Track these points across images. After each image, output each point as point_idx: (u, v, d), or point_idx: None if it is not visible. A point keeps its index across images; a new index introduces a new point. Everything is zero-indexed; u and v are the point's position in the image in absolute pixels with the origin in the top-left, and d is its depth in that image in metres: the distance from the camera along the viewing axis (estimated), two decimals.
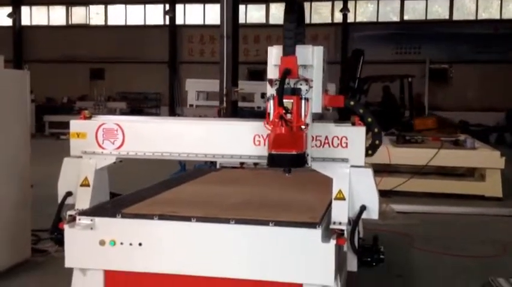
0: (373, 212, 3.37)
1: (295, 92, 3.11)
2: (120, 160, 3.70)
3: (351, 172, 3.34)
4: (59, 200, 3.68)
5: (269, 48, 3.24)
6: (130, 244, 3.32)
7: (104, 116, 3.82)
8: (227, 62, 10.03)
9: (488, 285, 4.57)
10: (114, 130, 3.62)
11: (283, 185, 4.32)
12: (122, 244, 3.33)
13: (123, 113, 20.34)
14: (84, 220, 3.38)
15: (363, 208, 3.35)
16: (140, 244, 3.32)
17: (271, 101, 3.08)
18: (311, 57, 3.20)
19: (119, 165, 3.76)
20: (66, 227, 3.40)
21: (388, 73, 15.82)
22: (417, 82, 21.46)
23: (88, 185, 3.62)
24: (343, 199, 3.30)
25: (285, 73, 3.05)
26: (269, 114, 3.08)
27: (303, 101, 3.10)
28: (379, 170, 7.70)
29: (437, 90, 22.10)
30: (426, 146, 9.40)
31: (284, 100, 3.00)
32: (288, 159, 3.07)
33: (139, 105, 23.65)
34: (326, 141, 3.35)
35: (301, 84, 3.15)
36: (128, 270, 3.37)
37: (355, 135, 3.35)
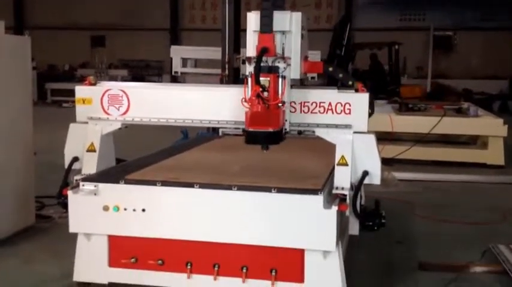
0: (375, 178, 3.42)
1: (272, 70, 3.15)
2: (125, 126, 3.75)
3: (353, 138, 3.36)
4: (66, 165, 3.72)
5: (248, 14, 3.26)
6: (134, 210, 3.37)
7: (108, 82, 3.84)
8: (229, 29, 9.91)
9: (489, 252, 4.61)
10: (119, 96, 3.66)
11: (287, 152, 4.33)
12: (125, 209, 3.37)
13: (124, 80, 20.25)
14: (88, 186, 3.41)
15: (365, 174, 3.40)
16: (143, 210, 3.36)
17: (249, 79, 3.12)
18: (289, 23, 3.21)
19: (124, 131, 3.78)
20: (70, 193, 3.44)
21: (393, 40, 15.65)
22: (421, 49, 21.33)
23: (94, 151, 3.68)
24: (346, 164, 3.34)
25: (262, 51, 3.08)
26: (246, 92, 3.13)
27: (280, 79, 3.15)
28: (382, 138, 7.70)
29: (441, 58, 21.92)
30: (429, 114, 9.38)
31: (261, 78, 3.06)
32: (264, 136, 3.17)
33: (141, 73, 23.49)
34: (329, 107, 3.39)
35: (278, 62, 3.19)
36: (131, 235, 3.42)
37: (358, 101, 3.38)
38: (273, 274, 3.27)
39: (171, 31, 25.37)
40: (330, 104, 3.39)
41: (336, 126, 3.39)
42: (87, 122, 3.72)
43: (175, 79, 19.39)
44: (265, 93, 3.10)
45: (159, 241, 3.39)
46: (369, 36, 21.79)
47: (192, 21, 25.36)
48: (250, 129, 3.16)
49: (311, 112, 3.42)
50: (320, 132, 3.43)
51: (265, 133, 3.16)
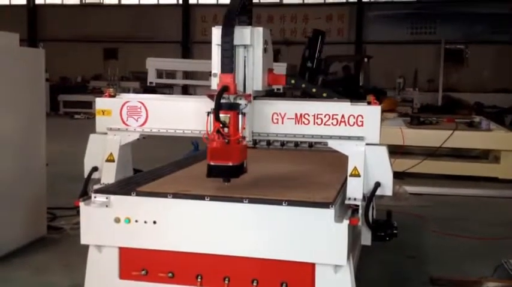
0: (387, 189, 3.45)
1: (233, 107, 3.30)
2: (143, 137, 3.81)
3: (366, 150, 3.38)
4: (85, 175, 3.77)
5: (212, 29, 3.42)
6: (145, 222, 3.37)
7: (128, 94, 3.93)
8: None
9: (502, 267, 4.56)
10: (137, 108, 3.74)
11: (298, 165, 4.33)
12: (136, 221, 3.38)
13: (136, 92, 20.36)
14: (100, 198, 3.42)
15: (377, 185, 3.42)
16: (154, 222, 3.36)
17: (211, 115, 3.28)
18: (249, 37, 3.36)
19: (136, 142, 3.84)
20: (81, 204, 3.45)
21: (403, 54, 15.72)
22: (432, 62, 21.29)
23: (113, 161, 3.75)
24: (358, 175, 3.37)
25: (222, 90, 3.24)
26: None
27: (240, 116, 3.31)
28: (393, 151, 7.66)
29: (453, 71, 21.87)
30: (440, 127, 9.34)
31: (221, 115, 3.21)
32: (224, 170, 3.33)
33: (152, 84, 23.63)
34: (342, 119, 3.42)
35: (240, 99, 3.33)
36: (142, 247, 3.42)
37: (371, 114, 3.41)
38: None
39: (182, 43, 25.55)
40: (342, 116, 3.42)
41: (349, 138, 3.41)
42: (106, 133, 3.79)
43: (186, 91, 19.56)
44: (226, 129, 3.25)
45: (169, 254, 3.39)
46: (377, 49, 21.85)
47: (204, 34, 25.53)
48: (211, 163, 3.32)
49: (324, 124, 3.45)
50: (333, 144, 3.47)
51: (225, 167, 3.32)
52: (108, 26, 25.74)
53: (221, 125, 3.22)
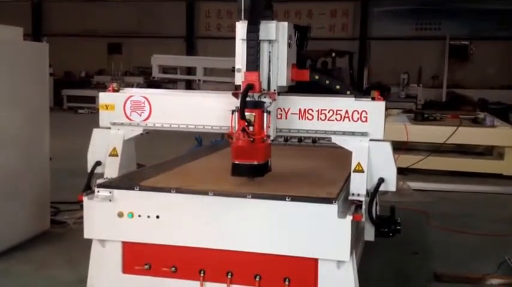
0: (391, 185, 3.44)
1: (258, 106, 3.27)
2: (146, 132, 3.81)
3: (370, 145, 3.37)
4: (89, 169, 3.78)
5: (236, 24, 3.41)
6: (148, 217, 3.37)
7: (131, 89, 3.93)
8: None
9: (506, 264, 4.55)
10: (141, 103, 3.74)
11: (301, 160, 4.32)
12: (139, 216, 3.38)
13: (140, 87, 20.36)
14: (103, 192, 3.43)
15: (381, 180, 3.41)
16: (158, 217, 3.37)
17: (235, 114, 3.26)
18: (275, 32, 3.32)
19: (140, 137, 3.84)
20: (85, 199, 3.45)
21: (407, 50, 15.60)
22: (437, 59, 21.22)
23: (116, 155, 3.76)
24: (362, 171, 3.36)
25: (247, 88, 3.21)
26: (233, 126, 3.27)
27: (265, 114, 3.28)
28: (397, 147, 7.64)
29: (457, 68, 21.78)
30: (444, 123, 9.30)
31: (246, 113, 3.18)
32: (248, 169, 3.31)
33: (156, 80, 23.65)
34: (346, 115, 3.42)
35: (264, 97, 3.30)
36: (145, 242, 3.43)
37: (375, 109, 3.41)
38: (287, 283, 3.25)
39: (186, 39, 25.51)
40: (346, 111, 3.42)
41: (353, 133, 3.41)
42: (110, 127, 3.79)
43: (190, 86, 19.60)
44: (251, 128, 3.23)
45: (172, 248, 3.39)
46: (384, 45, 21.79)
47: (208, 29, 25.48)
48: (236, 161, 3.30)
49: (328, 120, 3.44)
50: (337, 140, 3.46)
51: (250, 166, 3.30)
52: (112, 21, 25.70)
53: (246, 124, 3.19)
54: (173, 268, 3.40)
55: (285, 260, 3.25)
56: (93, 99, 18.64)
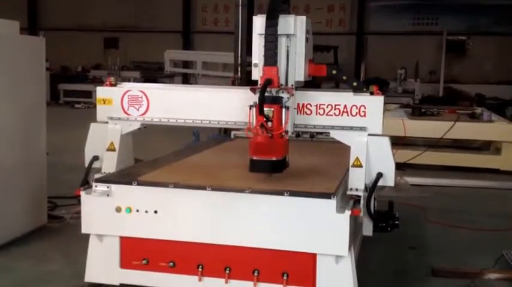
0: (389, 180, 3.43)
1: (276, 101, 3.25)
2: (144, 126, 3.81)
3: (368, 140, 3.37)
4: (86, 164, 3.77)
5: (254, 18, 3.36)
6: (146, 211, 3.37)
7: (129, 83, 3.91)
8: (242, 32, 9.91)
9: (503, 258, 4.56)
10: (138, 97, 3.73)
11: (299, 155, 4.31)
12: (137, 211, 3.38)
13: (137, 82, 20.32)
14: (101, 187, 3.42)
15: (380, 175, 3.40)
16: (156, 212, 3.36)
17: (253, 109, 3.23)
18: (293, 27, 3.29)
19: (138, 132, 3.82)
20: (82, 193, 3.44)
21: (404, 45, 15.59)
22: (434, 54, 21.21)
23: (114, 150, 3.75)
24: (361, 166, 3.36)
25: (266, 83, 3.18)
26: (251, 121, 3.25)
27: (283, 110, 3.25)
28: (394, 142, 7.62)
29: (454, 63, 21.78)
30: (442, 118, 9.31)
31: (265, 108, 3.16)
32: (267, 165, 3.30)
33: (153, 74, 23.58)
34: (345, 110, 3.42)
35: (282, 92, 3.27)
36: (143, 237, 3.42)
37: (373, 104, 3.40)
38: (285, 278, 3.26)
39: (183, 33, 25.44)
40: (345, 106, 3.41)
41: (351, 128, 3.40)
42: (107, 122, 3.77)
43: (187, 81, 19.64)
44: (269, 123, 3.20)
45: (170, 243, 3.39)
46: (381, 40, 21.76)
47: (204, 24, 25.41)
48: (254, 157, 3.28)
49: (326, 114, 3.44)
50: (335, 134, 3.46)
51: (268, 162, 3.29)
52: (108, 16, 25.59)
53: (265, 119, 3.17)
54: (171, 263, 3.39)
55: (283, 255, 3.25)
56: (90, 94, 18.60)
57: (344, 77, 3.55)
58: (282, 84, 3.28)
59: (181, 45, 24.62)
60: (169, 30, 25.07)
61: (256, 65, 3.33)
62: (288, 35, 3.30)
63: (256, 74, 3.33)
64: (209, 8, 25.38)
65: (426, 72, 21.08)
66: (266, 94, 3.19)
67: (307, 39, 3.36)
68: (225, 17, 24.41)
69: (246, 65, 9.63)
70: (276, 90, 3.25)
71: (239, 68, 9.74)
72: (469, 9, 22.25)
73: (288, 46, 3.30)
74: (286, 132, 3.30)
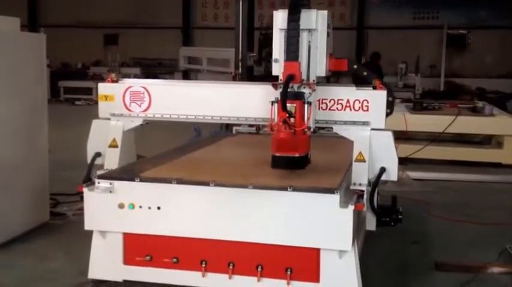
0: (392, 174, 3.43)
1: (299, 97, 3.20)
2: (146, 122, 3.79)
3: (371, 135, 3.36)
4: (88, 161, 3.76)
5: (274, 13, 3.32)
6: (149, 208, 3.36)
7: (131, 79, 3.90)
8: (242, 27, 9.89)
9: (506, 252, 4.55)
10: (140, 93, 3.72)
11: None
12: (140, 207, 3.37)
13: (137, 78, 20.27)
14: (103, 183, 3.41)
15: (383, 170, 3.39)
16: (158, 208, 3.36)
17: (276, 105, 3.18)
18: (315, 21, 3.25)
19: (140, 128, 3.81)
20: (85, 190, 3.44)
21: (405, 39, 15.54)
22: (435, 48, 21.17)
23: (116, 146, 3.75)
24: (364, 160, 3.35)
25: (288, 79, 3.14)
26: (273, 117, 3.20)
27: (305, 105, 3.20)
28: (396, 137, 7.62)
29: (455, 57, 21.74)
30: (443, 113, 9.28)
31: (287, 104, 3.12)
32: (290, 161, 3.25)
33: (153, 71, 23.56)
34: (348, 104, 3.40)
35: (304, 88, 3.23)
36: (146, 233, 3.42)
37: (376, 98, 3.39)
38: (288, 273, 3.25)
39: (183, 29, 25.40)
40: (348, 101, 3.40)
41: (354, 123, 3.39)
42: (109, 119, 3.76)
43: (187, 77, 19.63)
44: (291, 119, 3.16)
45: (174, 239, 3.38)
46: (381, 34, 21.71)
47: (205, 20, 25.36)
48: (277, 154, 3.24)
49: (329, 109, 3.43)
50: (338, 129, 3.45)
51: (291, 158, 3.24)
52: (108, 12, 25.54)
53: (287, 115, 3.13)
54: (175, 259, 3.39)
55: (287, 250, 3.25)
56: (90, 91, 18.58)
57: (364, 73, 3.52)
58: (303, 80, 3.23)
59: (181, 41, 24.59)
60: (169, 26, 25.03)
61: (276, 61, 3.29)
62: (309, 30, 3.25)
63: (277, 69, 3.28)
64: (209, 3, 25.32)
65: (427, 66, 21.05)
66: (288, 90, 3.14)
67: (328, 34, 3.32)
68: (225, 12, 24.36)
69: (247, 60, 9.62)
70: (298, 86, 3.21)
71: (240, 64, 9.72)
72: (470, 3, 22.19)
73: (309, 41, 3.26)
74: (309, 128, 3.26)
